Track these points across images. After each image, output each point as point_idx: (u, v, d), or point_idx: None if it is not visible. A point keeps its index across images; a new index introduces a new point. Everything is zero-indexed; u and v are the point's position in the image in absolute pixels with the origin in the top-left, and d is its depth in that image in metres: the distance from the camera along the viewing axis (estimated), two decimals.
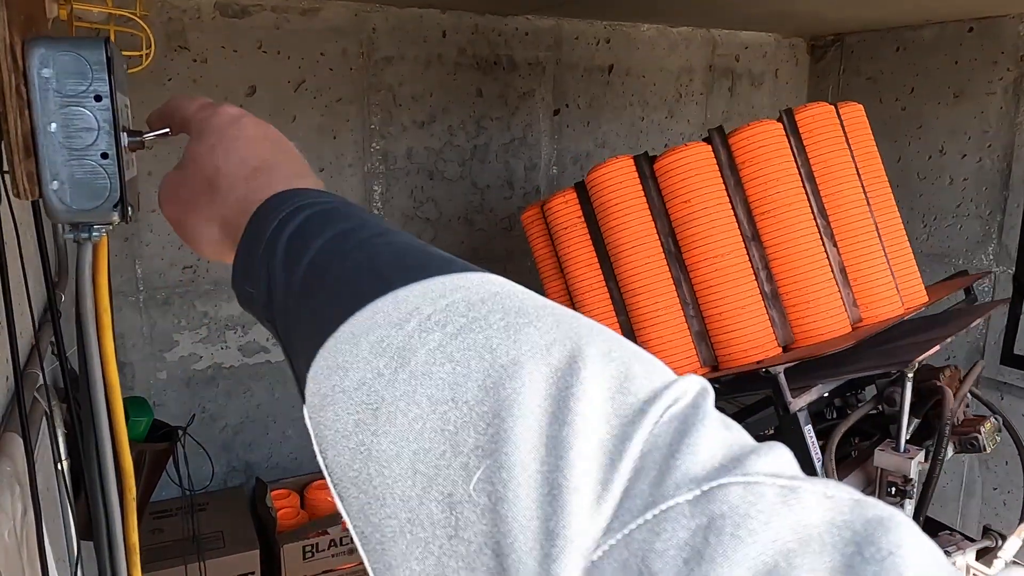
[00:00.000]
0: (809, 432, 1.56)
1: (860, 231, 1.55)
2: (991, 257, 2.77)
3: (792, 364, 1.44)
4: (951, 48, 2.85)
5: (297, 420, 2.68)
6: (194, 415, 2.01)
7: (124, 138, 0.61)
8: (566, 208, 1.66)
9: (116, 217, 0.61)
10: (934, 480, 1.50)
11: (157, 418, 1.69)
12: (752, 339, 1.49)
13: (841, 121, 1.60)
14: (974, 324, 1.69)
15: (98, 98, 0.58)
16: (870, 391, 1.80)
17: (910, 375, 1.58)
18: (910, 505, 1.60)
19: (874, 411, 1.79)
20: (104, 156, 0.59)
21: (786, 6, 2.50)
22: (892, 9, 2.56)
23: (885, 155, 3.06)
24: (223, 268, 2.29)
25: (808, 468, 1.54)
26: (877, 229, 1.59)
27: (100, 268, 0.68)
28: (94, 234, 0.62)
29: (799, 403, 1.43)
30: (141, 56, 1.92)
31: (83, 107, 0.58)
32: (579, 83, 2.95)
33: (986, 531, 1.87)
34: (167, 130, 0.59)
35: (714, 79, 3.24)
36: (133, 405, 1.57)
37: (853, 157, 1.59)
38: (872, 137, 1.69)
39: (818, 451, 1.56)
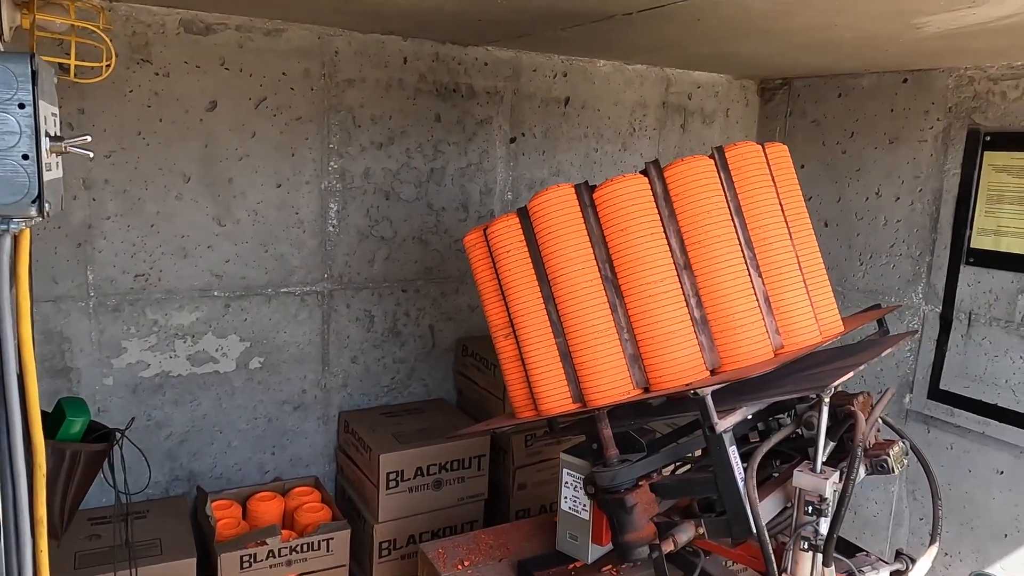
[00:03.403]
0: (734, 453, 1.63)
1: (783, 263, 1.64)
2: (920, 296, 2.92)
3: (719, 386, 1.52)
4: (887, 97, 3.02)
5: (243, 431, 2.70)
6: (133, 419, 2.02)
7: (46, 142, 0.68)
8: (508, 232, 1.74)
9: (34, 212, 0.68)
10: (847, 498, 1.58)
11: (99, 422, 1.71)
12: (682, 363, 1.57)
13: (768, 160, 1.71)
14: (886, 353, 1.80)
15: (22, 106, 0.65)
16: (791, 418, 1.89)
17: (827, 400, 1.67)
18: (825, 522, 1.68)
19: (793, 435, 1.89)
20: (25, 157, 0.66)
21: (732, 48, 2.63)
22: (833, 56, 2.71)
23: (827, 195, 3.22)
24: (175, 277, 2.33)
25: (731, 487, 1.62)
26: (798, 262, 1.69)
27: (21, 258, 0.74)
28: (12, 226, 0.69)
29: (724, 424, 1.51)
30: (102, 67, 1.96)
31: (7, 113, 0.65)
32: (536, 113, 3.05)
33: (898, 555, 1.97)
34: (87, 137, 0.67)
35: (667, 115, 3.37)
36: (70, 405, 1.59)
37: (778, 193, 1.69)
38: (795, 175, 1.80)
39: (741, 471, 1.64)
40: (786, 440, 1.95)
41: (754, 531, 1.62)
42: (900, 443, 1.88)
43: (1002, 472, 2.69)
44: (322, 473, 2.88)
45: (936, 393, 2.87)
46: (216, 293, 2.56)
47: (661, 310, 1.58)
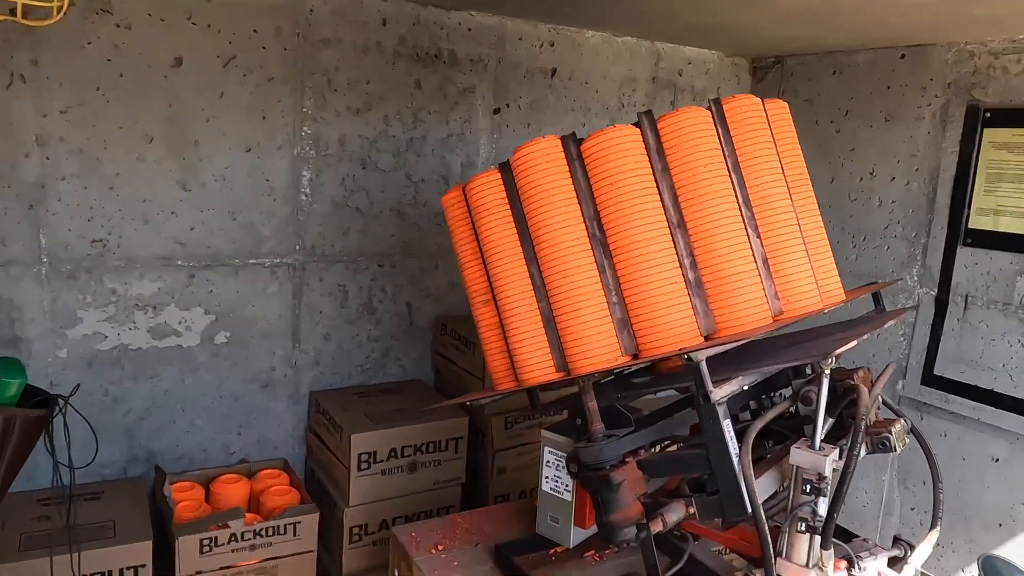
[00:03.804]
0: (728, 427, 1.52)
1: (783, 224, 1.53)
2: (915, 279, 2.83)
3: (715, 350, 1.40)
4: (884, 73, 2.92)
5: (208, 410, 2.56)
6: (79, 385, 1.88)
7: None
8: (489, 188, 1.61)
9: None
10: (849, 476, 1.48)
11: (38, 387, 1.57)
12: (675, 327, 1.45)
13: (767, 116, 1.60)
14: (888, 324, 1.70)
15: None
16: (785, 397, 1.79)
17: (827, 372, 1.57)
18: (823, 503, 1.58)
19: (787, 414, 1.79)
20: None
21: (725, 16, 2.52)
22: (829, 28, 2.61)
23: (819, 176, 3.12)
24: (135, 244, 2.18)
25: (725, 463, 1.51)
26: (799, 224, 1.58)
27: None
28: None
29: (720, 393, 1.40)
30: (52, 8, 1.81)
31: None
32: (521, 84, 2.92)
33: (896, 541, 1.87)
34: None
35: (656, 91, 3.25)
36: (2, 366, 1.45)
37: (778, 152, 1.58)
38: (796, 135, 1.69)
39: (736, 446, 1.53)
40: (780, 419, 1.84)
41: (749, 510, 1.51)
42: (902, 421, 1.78)
43: (997, 460, 2.60)
44: (291, 456, 2.74)
45: (930, 379, 2.78)
46: (180, 262, 2.42)
47: (652, 271, 1.46)
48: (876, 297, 2.06)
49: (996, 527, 2.63)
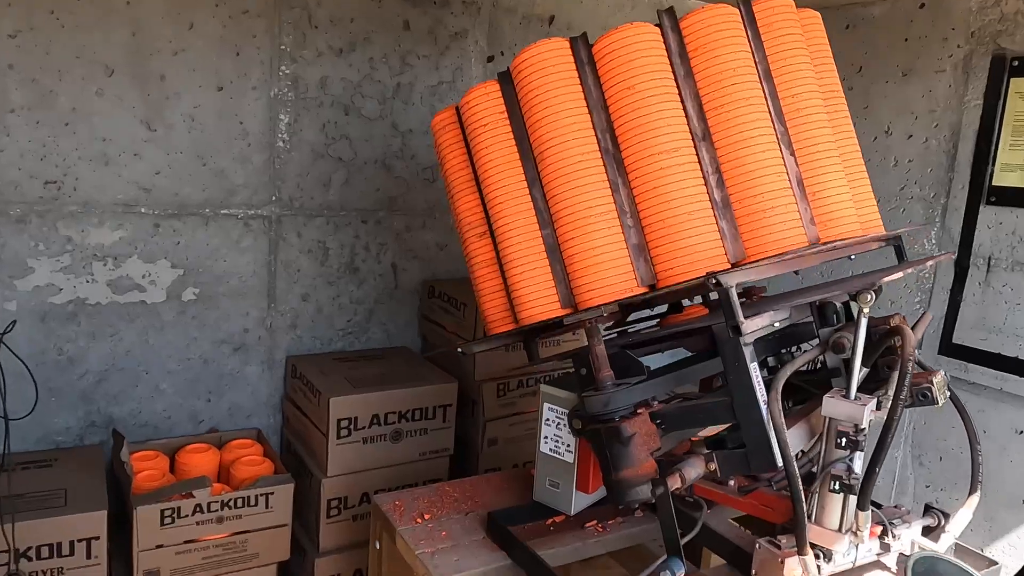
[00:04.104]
0: (755, 370, 1.34)
1: (819, 140, 1.35)
2: (933, 242, 2.66)
3: (747, 275, 1.22)
4: (901, 25, 2.76)
5: (174, 373, 2.35)
6: (14, 322, 1.67)
7: None
8: (487, 101, 1.42)
9: None
10: (894, 425, 1.30)
11: None
12: (699, 253, 1.26)
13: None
14: (930, 262, 1.53)
15: None
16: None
17: (866, 310, 1.39)
18: (859, 459, 1.40)
19: (813, 366, 1.62)
20: None
21: None
22: None
23: None
24: (94, 187, 1.96)
25: (753, 411, 1.33)
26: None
27: None
28: None
29: (751, 325, 1.21)
30: None
31: None
32: (516, 30, 2.73)
33: (928, 509, 1.70)
34: None
35: None
36: None
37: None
38: (830, 49, 1.51)
39: (763, 391, 1.35)
40: (803, 375, 1.68)
41: (779, 462, 1.33)
42: (942, 372, 1.61)
43: (1022, 432, 2.44)
44: (266, 426, 2.54)
45: (948, 348, 2.62)
46: (143, 210, 2.21)
47: (674, 189, 1.27)
48: (899, 252, 1.91)
49: (1019, 504, 2.46)
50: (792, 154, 1.33)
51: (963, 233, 2.57)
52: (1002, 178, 2.46)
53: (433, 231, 2.70)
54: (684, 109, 1.30)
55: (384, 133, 2.54)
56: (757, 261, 1.19)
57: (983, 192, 2.51)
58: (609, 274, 1.30)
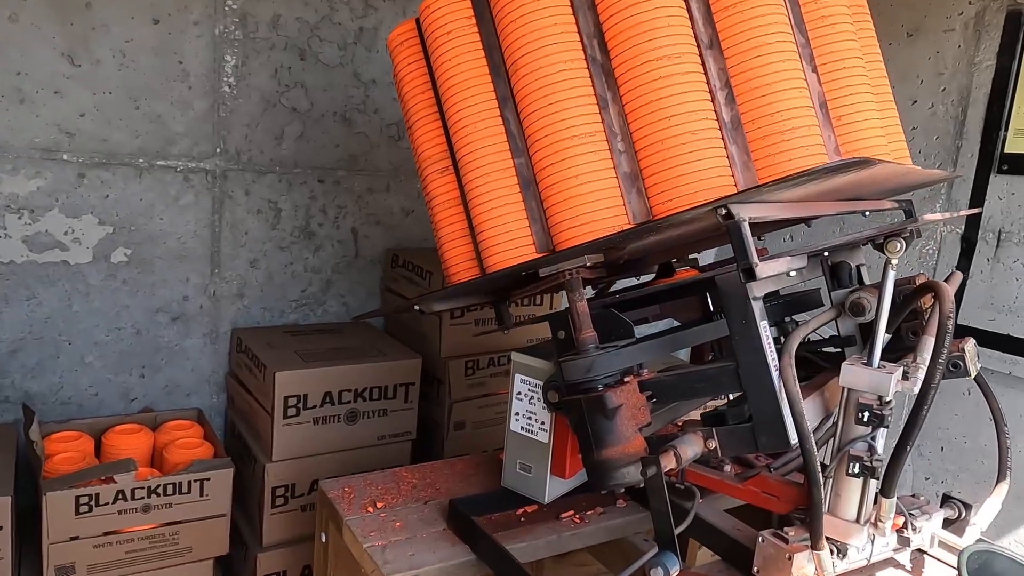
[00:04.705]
0: (765, 329, 1.13)
1: (846, 55, 1.14)
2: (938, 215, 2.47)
3: (764, 208, 1.01)
4: None
5: (102, 344, 2.09)
6: None
7: None
8: (453, 5, 1.20)
9: None
10: (931, 395, 1.10)
11: None
12: (704, 181, 1.04)
13: None
14: (959, 214, 1.32)
15: None
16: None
17: (895, 261, 1.19)
18: (882, 437, 1.20)
19: (817, 338, 1.42)
20: None
21: None
22: None
23: None
24: (7, 128, 1.67)
25: (762, 378, 1.12)
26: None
27: None
28: None
29: (766, 269, 1.00)
30: None
31: None
32: None
33: (946, 499, 1.50)
34: None
35: None
36: None
37: None
38: None
39: (774, 354, 1.14)
40: (811, 345, 1.47)
41: (793, 439, 1.12)
42: (972, 340, 1.41)
43: None
44: (208, 406, 2.28)
45: (954, 329, 2.43)
46: (66, 156, 1.95)
47: (674, 104, 1.05)
48: (908, 213, 1.72)
49: None
50: (815, 71, 1.12)
51: (971, 204, 2.38)
52: (1015, 144, 2.27)
53: (398, 195, 2.46)
54: (688, 10, 1.08)
55: (344, 83, 2.30)
56: (774, 185, 0.96)
57: (994, 160, 2.32)
58: (595, 207, 1.08)
